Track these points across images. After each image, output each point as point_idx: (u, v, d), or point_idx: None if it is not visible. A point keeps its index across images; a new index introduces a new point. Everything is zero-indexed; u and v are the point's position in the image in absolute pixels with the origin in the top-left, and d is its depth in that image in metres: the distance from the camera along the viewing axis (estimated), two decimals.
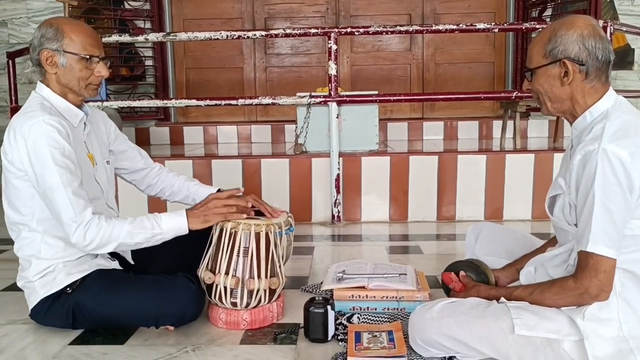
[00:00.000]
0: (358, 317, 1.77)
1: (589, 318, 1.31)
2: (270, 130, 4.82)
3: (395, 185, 3.39)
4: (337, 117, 3.40)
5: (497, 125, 4.64)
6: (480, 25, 3.34)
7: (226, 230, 1.72)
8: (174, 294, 1.68)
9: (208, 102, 3.52)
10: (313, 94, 3.47)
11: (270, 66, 5.16)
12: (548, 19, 4.66)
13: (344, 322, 1.74)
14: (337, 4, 5.04)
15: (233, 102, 3.51)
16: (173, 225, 1.67)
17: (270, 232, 1.76)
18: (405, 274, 1.91)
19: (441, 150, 3.72)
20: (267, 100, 3.49)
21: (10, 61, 4.18)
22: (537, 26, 3.48)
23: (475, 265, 1.77)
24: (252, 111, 5.19)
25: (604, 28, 3.27)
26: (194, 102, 3.57)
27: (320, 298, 1.65)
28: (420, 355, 1.50)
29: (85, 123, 1.78)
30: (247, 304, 1.74)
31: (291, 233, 1.97)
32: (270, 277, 1.75)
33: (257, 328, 1.75)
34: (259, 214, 1.89)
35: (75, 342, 1.68)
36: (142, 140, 4.74)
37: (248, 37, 3.65)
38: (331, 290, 1.86)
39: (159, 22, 4.92)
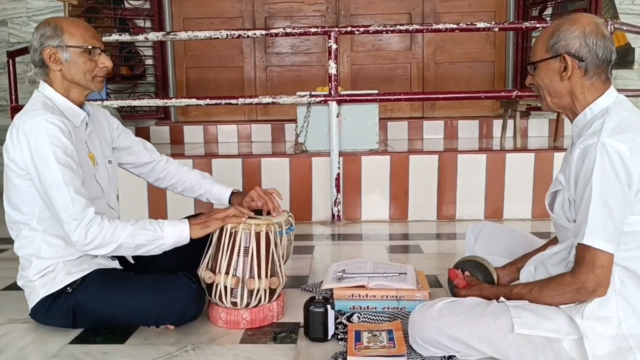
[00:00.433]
0: (358, 316, 1.77)
1: (588, 316, 1.31)
2: (271, 129, 4.82)
3: (396, 184, 3.39)
4: (337, 117, 3.40)
5: (497, 124, 4.64)
6: (481, 25, 3.33)
7: (226, 230, 1.73)
8: (174, 293, 1.68)
9: (208, 101, 3.52)
10: (313, 93, 3.47)
11: (270, 65, 5.16)
12: (548, 18, 4.66)
13: (344, 321, 1.74)
14: (337, 3, 5.04)
15: (233, 101, 3.51)
16: (174, 230, 1.66)
17: (271, 231, 1.76)
18: (405, 273, 1.91)
19: (441, 149, 3.71)
20: (267, 100, 3.49)
21: (10, 60, 4.18)
22: (537, 25, 3.48)
23: (483, 266, 1.77)
24: (252, 110, 5.19)
25: None
26: (194, 101, 3.58)
27: (320, 297, 1.65)
28: (420, 355, 1.50)
29: (87, 123, 1.78)
30: (247, 304, 1.74)
31: (291, 232, 1.97)
32: (271, 276, 1.75)
33: (257, 327, 1.75)
34: (259, 213, 1.90)
35: (75, 341, 1.68)
36: (142, 139, 4.73)
37: (248, 36, 3.65)
38: (331, 290, 1.86)
39: (159, 21, 4.92)
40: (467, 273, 1.75)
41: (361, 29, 3.45)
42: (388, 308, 1.82)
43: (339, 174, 3.33)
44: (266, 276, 1.73)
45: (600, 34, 1.36)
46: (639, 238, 1.32)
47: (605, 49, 1.36)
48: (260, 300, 1.74)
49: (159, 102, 4.02)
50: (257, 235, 1.73)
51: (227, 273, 1.71)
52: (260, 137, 4.82)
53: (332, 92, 3.36)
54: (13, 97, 4.13)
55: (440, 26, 3.39)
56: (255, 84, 5.17)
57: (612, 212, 1.27)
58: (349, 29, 3.40)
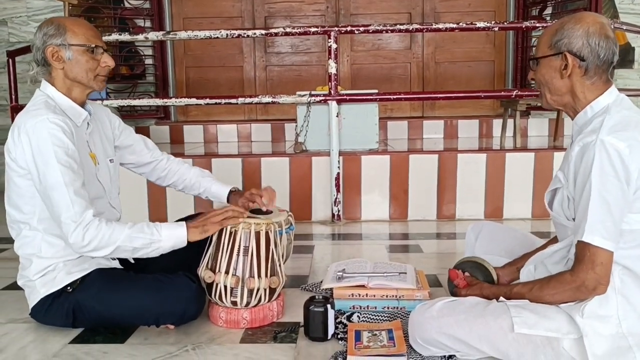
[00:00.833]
0: (358, 315, 1.77)
1: (588, 315, 1.31)
2: (270, 129, 4.82)
3: (395, 184, 3.39)
4: (337, 116, 3.40)
5: (497, 123, 4.64)
6: (481, 24, 3.33)
7: (226, 229, 1.73)
8: (174, 292, 1.68)
9: (208, 100, 3.52)
10: (313, 92, 3.47)
11: (270, 65, 5.16)
12: (548, 18, 4.66)
13: (344, 320, 1.74)
14: (337, 3, 5.04)
15: (233, 100, 3.51)
16: (172, 234, 1.65)
17: (270, 231, 1.76)
18: (405, 273, 1.91)
19: (441, 149, 3.71)
20: (267, 99, 3.49)
21: (10, 60, 4.18)
22: (537, 25, 3.48)
23: (483, 266, 1.77)
24: (252, 110, 5.19)
25: None
26: (194, 100, 3.58)
27: (320, 297, 1.65)
28: (420, 354, 1.51)
29: (88, 122, 1.78)
30: (247, 303, 1.74)
31: (291, 232, 1.98)
32: (271, 276, 1.75)
33: (257, 327, 1.75)
34: (258, 212, 1.90)
35: (75, 340, 1.68)
36: (144, 136, 4.73)
37: (248, 35, 3.65)
38: (331, 289, 1.87)
39: (159, 21, 4.91)
40: (467, 273, 1.76)
41: (361, 29, 3.45)
42: (388, 307, 1.82)
43: (338, 173, 3.33)
44: (266, 275, 1.73)
45: (603, 35, 1.36)
46: (638, 237, 1.33)
47: (608, 50, 1.36)
48: (260, 300, 1.75)
49: (158, 102, 4.02)
50: (257, 234, 1.73)
51: (227, 272, 1.71)
52: (260, 136, 4.82)
53: (332, 92, 3.36)
54: (13, 96, 4.13)
55: (440, 26, 3.39)
56: (255, 84, 5.17)
57: (611, 209, 1.27)
58: (348, 28, 3.40)
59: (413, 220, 3.38)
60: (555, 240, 1.62)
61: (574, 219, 1.38)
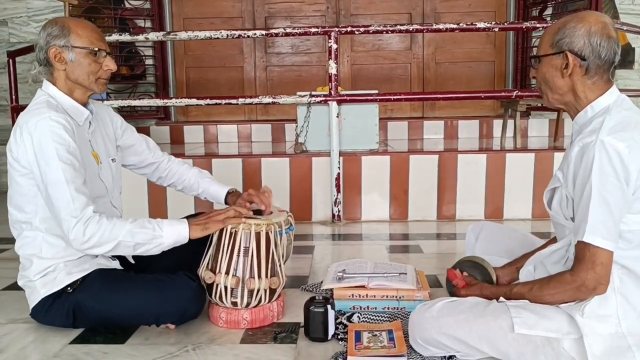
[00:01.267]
0: (358, 316, 1.77)
1: (588, 315, 1.31)
2: (271, 129, 4.82)
3: (396, 184, 3.39)
4: (338, 117, 3.40)
5: (497, 124, 4.64)
6: (481, 25, 3.33)
7: (226, 230, 1.73)
8: (174, 292, 1.68)
9: (208, 101, 3.52)
10: (313, 93, 3.47)
11: (270, 65, 5.16)
12: (548, 18, 4.66)
13: (344, 321, 1.74)
14: (338, 3, 5.04)
15: (233, 101, 3.51)
16: (173, 230, 1.65)
17: (271, 231, 1.76)
18: (405, 273, 1.91)
19: (441, 149, 3.72)
20: (267, 100, 3.49)
21: (10, 60, 4.18)
22: (538, 25, 3.48)
23: (482, 266, 1.77)
24: (252, 110, 5.19)
25: None
26: (194, 101, 3.58)
27: (321, 297, 1.65)
28: (420, 355, 1.51)
29: (90, 122, 1.78)
30: (248, 304, 1.74)
31: (291, 232, 1.98)
32: (271, 276, 1.75)
33: (258, 327, 1.75)
34: (259, 213, 1.90)
35: (75, 341, 1.68)
36: (145, 136, 4.73)
37: (248, 36, 3.65)
38: (331, 290, 1.87)
39: (159, 21, 4.92)
40: (465, 273, 1.76)
41: (361, 29, 3.45)
42: (388, 308, 1.82)
43: (339, 173, 3.33)
44: (266, 276, 1.73)
45: (605, 35, 1.35)
46: (636, 238, 1.33)
47: (609, 50, 1.36)
48: (260, 300, 1.75)
49: (159, 102, 4.02)
50: (257, 235, 1.73)
51: (227, 273, 1.71)
52: (260, 137, 4.82)
53: (332, 92, 3.36)
54: (13, 97, 4.12)
55: (441, 26, 3.39)
56: (255, 84, 5.17)
57: (611, 209, 1.28)
58: (349, 29, 3.40)
59: (413, 220, 3.38)
60: (554, 240, 1.62)
61: (572, 219, 1.38)
